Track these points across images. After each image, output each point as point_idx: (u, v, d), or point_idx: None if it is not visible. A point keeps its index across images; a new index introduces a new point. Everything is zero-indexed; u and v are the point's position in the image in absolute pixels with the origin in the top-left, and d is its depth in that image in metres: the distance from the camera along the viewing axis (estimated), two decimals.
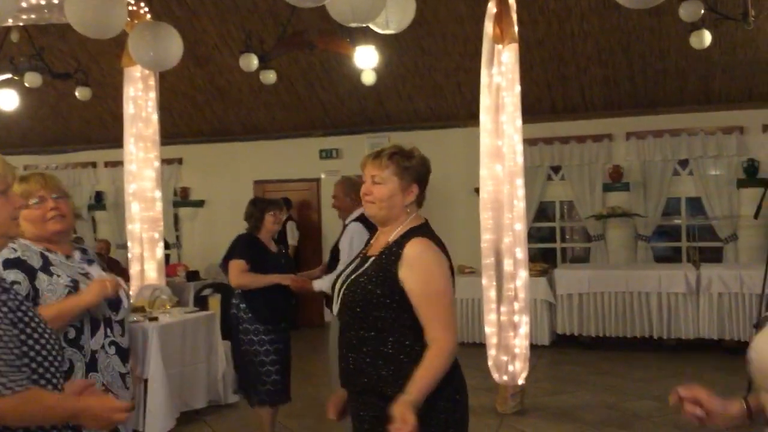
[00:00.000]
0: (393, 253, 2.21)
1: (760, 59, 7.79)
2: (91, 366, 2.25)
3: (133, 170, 6.40)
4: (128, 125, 6.42)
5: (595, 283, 7.85)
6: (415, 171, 2.30)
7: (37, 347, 1.63)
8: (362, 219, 3.95)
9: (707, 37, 6.13)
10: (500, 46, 5.44)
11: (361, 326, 2.21)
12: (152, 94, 6.42)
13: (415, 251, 2.19)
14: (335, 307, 2.30)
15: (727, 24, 6.52)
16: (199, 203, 10.89)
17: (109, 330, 2.33)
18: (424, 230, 2.29)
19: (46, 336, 1.66)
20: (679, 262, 8.86)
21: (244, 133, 10.53)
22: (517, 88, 5.45)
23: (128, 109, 6.40)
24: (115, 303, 2.38)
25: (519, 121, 5.45)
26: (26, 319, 1.63)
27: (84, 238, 10.18)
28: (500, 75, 5.46)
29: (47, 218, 2.33)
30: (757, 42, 7.51)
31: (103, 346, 2.30)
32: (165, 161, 8.69)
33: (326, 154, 10.21)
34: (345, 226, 4.25)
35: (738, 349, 7.08)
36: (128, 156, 6.42)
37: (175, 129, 10.13)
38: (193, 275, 9.03)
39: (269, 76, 7.11)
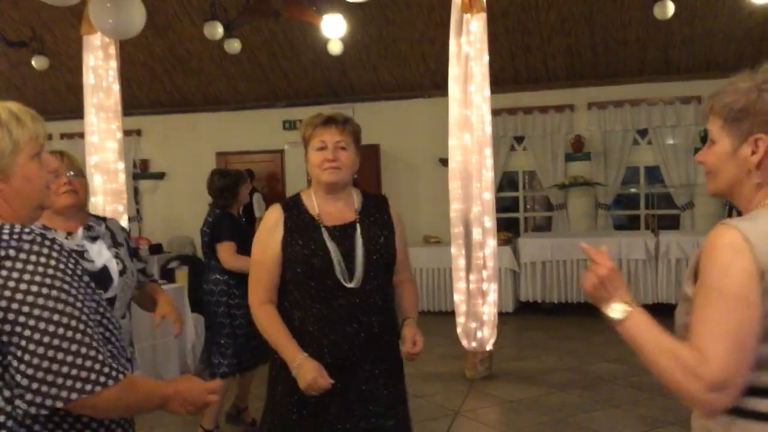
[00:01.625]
0: (379, 210, 2.41)
1: (718, 31, 7.96)
2: None
3: (94, 142, 6.24)
4: (88, 95, 6.24)
5: (558, 251, 8.00)
6: (360, 138, 2.41)
7: (111, 327, 1.49)
8: None
9: (670, 8, 6.23)
10: (468, 16, 5.44)
11: (386, 288, 2.36)
12: (113, 63, 6.24)
13: (397, 212, 2.47)
14: (350, 280, 2.23)
15: None
16: (160, 175, 10.72)
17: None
18: (378, 193, 2.59)
19: (109, 315, 1.52)
20: (638, 229, 9.09)
21: (205, 103, 10.36)
22: (486, 58, 5.46)
23: (88, 78, 6.22)
24: (102, 281, 2.36)
25: (487, 91, 5.48)
26: (97, 297, 1.48)
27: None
28: (469, 44, 5.46)
29: (60, 192, 2.36)
30: (715, 13, 7.66)
31: None
32: (124, 132, 8.46)
33: (290, 125, 10.13)
34: None
35: None
36: (89, 127, 6.26)
37: (133, 100, 9.90)
38: (156, 248, 8.93)
39: (234, 45, 6.98)
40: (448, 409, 4.87)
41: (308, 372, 2.14)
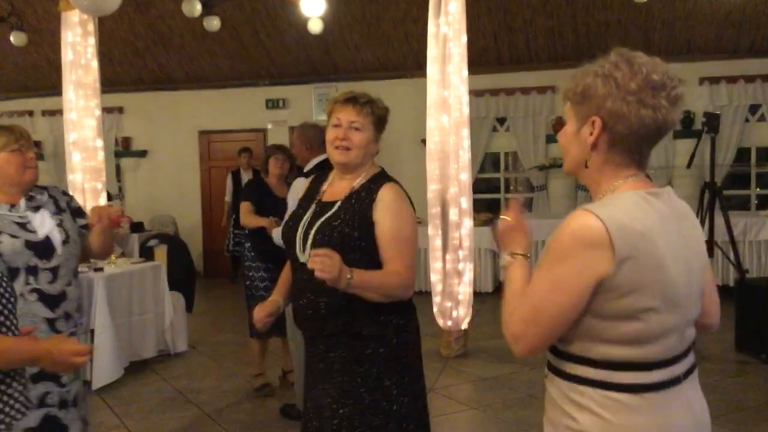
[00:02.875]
0: (365, 196, 2.28)
1: (698, 13, 7.99)
2: None
3: (73, 119, 6.23)
4: (67, 72, 6.22)
5: (538, 231, 7.94)
6: (384, 120, 2.39)
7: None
8: (312, 172, 3.98)
9: None
10: None
11: None
12: (91, 40, 6.21)
13: (390, 195, 2.28)
14: (301, 254, 2.25)
15: None
16: (142, 153, 10.67)
17: (32, 278, 2.38)
18: (390, 177, 2.39)
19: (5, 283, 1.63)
20: None
21: (187, 81, 10.30)
22: (464, 38, 5.48)
23: (67, 55, 6.19)
24: (45, 251, 2.41)
25: (465, 72, 5.50)
26: None
27: None
28: (447, 25, 5.48)
29: (27, 166, 2.44)
30: None
31: (22, 294, 2.34)
32: (105, 110, 8.43)
33: (272, 104, 10.09)
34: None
35: None
36: (68, 104, 6.24)
37: (115, 77, 9.83)
38: (137, 226, 8.92)
39: (213, 23, 6.94)
40: None
41: (258, 310, 2.36)
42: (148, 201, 10.47)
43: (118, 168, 10.68)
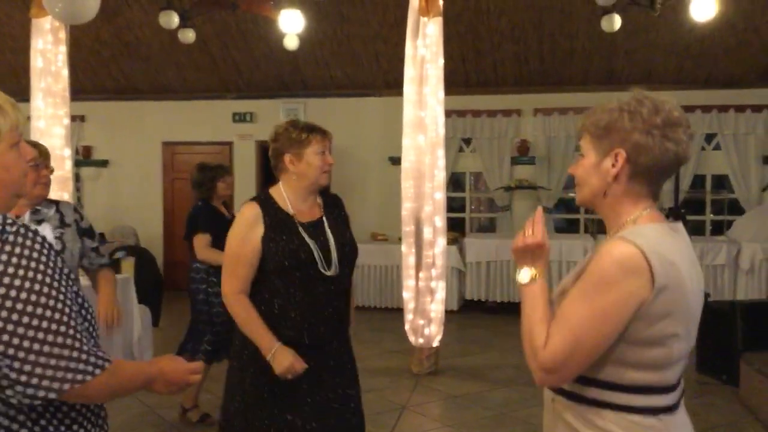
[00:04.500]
0: (336, 208, 2.72)
1: (660, 44, 8.30)
2: None
3: (41, 127, 6.10)
4: (36, 79, 6.10)
5: (502, 251, 8.23)
6: None
7: (89, 317, 1.52)
8: None
9: (617, 21, 6.47)
10: (425, 19, 5.55)
11: (351, 274, 2.68)
12: (62, 48, 6.12)
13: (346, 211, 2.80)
14: (325, 270, 2.52)
15: (634, 9, 6.91)
16: (103, 163, 10.48)
17: None
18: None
19: (87, 305, 1.54)
20: (577, 232, 9.41)
21: (153, 92, 10.18)
22: (441, 61, 5.59)
23: (36, 62, 6.08)
24: None
25: (441, 93, 5.61)
26: (76, 287, 1.48)
27: None
28: (425, 47, 5.58)
29: (39, 182, 2.46)
30: (657, 27, 7.99)
31: None
32: None
33: (240, 118, 10.04)
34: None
35: None
36: (36, 112, 6.12)
37: (77, 84, 9.58)
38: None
39: (188, 35, 6.91)
40: (396, 404, 4.98)
41: (285, 358, 2.41)
42: (109, 211, 10.26)
43: (77, 177, 10.45)
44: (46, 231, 2.46)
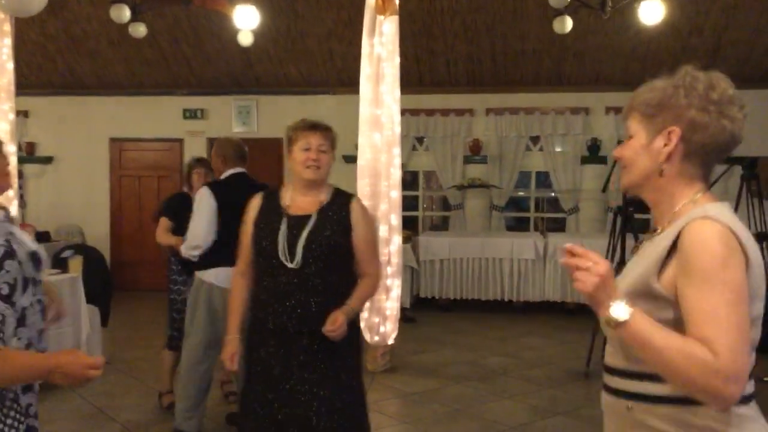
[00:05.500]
0: (340, 208, 2.74)
1: (608, 46, 8.52)
2: (21, 322, 2.21)
3: None
4: None
5: (455, 249, 8.32)
6: (336, 142, 2.86)
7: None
8: (217, 183, 4.12)
9: (569, 23, 6.60)
10: (382, 18, 5.57)
11: (328, 273, 2.67)
12: (7, 41, 5.94)
13: (362, 206, 2.83)
14: (288, 262, 2.62)
15: (583, 11, 7.07)
16: (47, 159, 10.18)
17: (35, 288, 2.28)
18: (350, 192, 2.89)
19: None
20: (528, 231, 9.57)
21: (100, 87, 9.94)
22: (397, 60, 5.62)
23: None
24: (37, 262, 2.32)
25: (397, 92, 5.64)
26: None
27: None
28: (381, 46, 5.60)
29: (4, 173, 2.40)
30: (605, 30, 8.19)
31: (31, 304, 2.25)
32: None
33: (190, 114, 9.89)
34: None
35: (578, 310, 7.86)
36: None
37: (21, 79, 9.30)
38: (43, 236, 8.49)
39: (139, 29, 6.77)
40: None
41: (227, 350, 2.75)
42: (53, 209, 9.98)
43: (20, 174, 10.10)
44: (17, 230, 2.37)
